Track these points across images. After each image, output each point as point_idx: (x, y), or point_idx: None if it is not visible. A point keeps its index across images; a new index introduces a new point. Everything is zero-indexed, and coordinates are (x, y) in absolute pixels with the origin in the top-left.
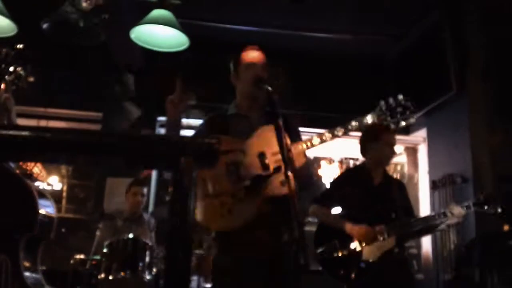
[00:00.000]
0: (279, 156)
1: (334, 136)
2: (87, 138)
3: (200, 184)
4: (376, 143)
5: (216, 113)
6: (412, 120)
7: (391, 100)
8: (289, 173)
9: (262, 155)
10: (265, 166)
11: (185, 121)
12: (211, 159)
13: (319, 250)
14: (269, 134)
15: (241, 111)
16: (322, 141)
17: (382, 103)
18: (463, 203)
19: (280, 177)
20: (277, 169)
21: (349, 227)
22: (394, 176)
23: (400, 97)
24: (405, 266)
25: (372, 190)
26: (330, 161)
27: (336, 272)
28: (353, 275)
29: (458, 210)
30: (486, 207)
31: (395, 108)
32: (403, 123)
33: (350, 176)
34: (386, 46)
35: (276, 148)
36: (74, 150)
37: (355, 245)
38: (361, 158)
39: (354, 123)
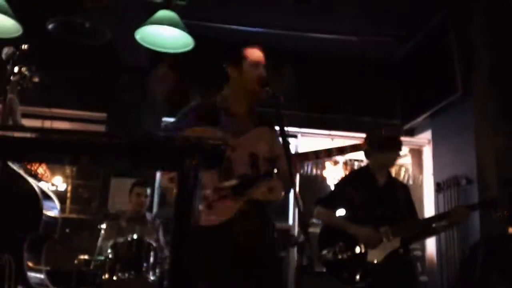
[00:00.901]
0: (270, 162)
1: (341, 153)
2: (92, 138)
3: None
4: (381, 153)
5: (205, 102)
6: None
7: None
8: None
9: (254, 156)
10: (255, 168)
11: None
12: (216, 160)
13: (324, 252)
14: (264, 136)
15: (232, 107)
16: (329, 156)
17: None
18: (468, 204)
19: (269, 182)
20: (266, 174)
21: (353, 229)
22: (398, 178)
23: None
24: (410, 267)
25: (376, 191)
26: (335, 162)
27: (340, 274)
28: (357, 277)
29: (462, 210)
30: (491, 210)
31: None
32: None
33: (354, 177)
34: (391, 47)
35: (269, 152)
36: (79, 151)
37: (359, 247)
38: (366, 160)
39: (362, 143)
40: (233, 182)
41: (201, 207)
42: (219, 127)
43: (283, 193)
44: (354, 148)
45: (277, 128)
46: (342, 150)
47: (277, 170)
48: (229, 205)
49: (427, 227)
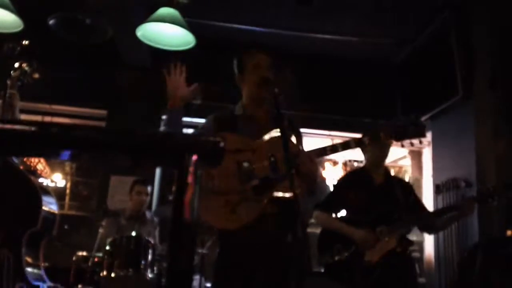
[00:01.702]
0: (289, 161)
1: (346, 148)
2: (92, 134)
3: (207, 180)
4: (368, 146)
5: (223, 112)
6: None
7: (402, 118)
8: (294, 177)
9: (273, 158)
10: (275, 169)
11: (190, 120)
12: (216, 158)
13: (323, 256)
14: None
15: (247, 112)
16: (334, 152)
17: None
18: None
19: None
20: (287, 173)
21: (349, 231)
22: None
23: (413, 116)
24: (408, 265)
25: (373, 191)
26: (334, 163)
27: (339, 275)
28: (356, 278)
29: (470, 202)
30: (490, 200)
31: (406, 126)
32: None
33: (351, 178)
34: (393, 49)
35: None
36: (78, 147)
37: (357, 247)
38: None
39: (366, 139)
40: (254, 182)
41: (224, 211)
42: (238, 133)
43: (304, 191)
44: (373, 135)
45: (278, 128)
46: (360, 142)
47: (296, 169)
48: (252, 206)
49: (427, 222)
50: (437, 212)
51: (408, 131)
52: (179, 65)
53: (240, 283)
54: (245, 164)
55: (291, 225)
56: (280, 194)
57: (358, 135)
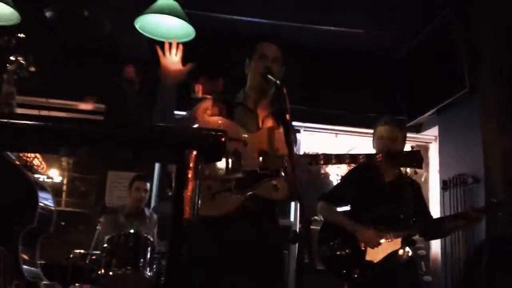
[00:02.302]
0: (280, 161)
1: (341, 162)
2: (90, 128)
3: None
4: (373, 140)
5: (223, 97)
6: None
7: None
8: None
9: (264, 153)
10: (264, 165)
11: (187, 114)
12: (217, 153)
13: (322, 248)
14: (277, 136)
15: (248, 102)
16: (327, 164)
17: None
18: (477, 207)
19: (275, 181)
20: (274, 172)
21: (352, 227)
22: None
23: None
24: (410, 268)
25: (381, 189)
26: None
27: (337, 271)
28: (355, 275)
29: (475, 213)
30: (499, 213)
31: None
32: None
33: (360, 173)
34: (398, 42)
35: (279, 151)
36: (76, 141)
37: (358, 244)
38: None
39: (361, 156)
40: (238, 175)
41: (203, 196)
42: (234, 121)
43: (287, 195)
44: (368, 157)
45: (280, 122)
46: (354, 158)
47: (285, 171)
48: (232, 198)
49: (432, 228)
50: (441, 219)
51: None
52: (176, 44)
53: (214, 274)
54: (233, 155)
55: (271, 227)
56: (263, 193)
57: (361, 130)
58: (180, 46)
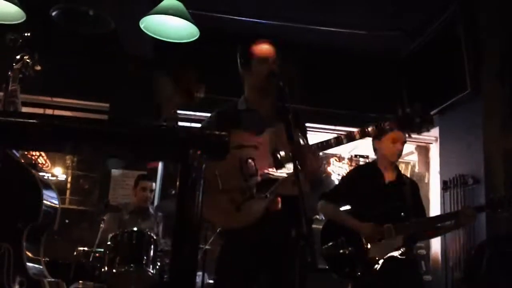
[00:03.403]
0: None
1: (351, 139)
2: (94, 127)
3: (210, 179)
4: (380, 141)
5: (226, 108)
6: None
7: (408, 109)
8: (299, 172)
9: (276, 152)
10: (279, 164)
11: (194, 114)
12: (220, 152)
13: (325, 246)
14: (284, 133)
15: (251, 105)
16: (338, 144)
17: (400, 110)
18: (475, 205)
19: (292, 176)
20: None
21: (355, 224)
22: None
23: (418, 106)
24: (412, 266)
25: (382, 188)
26: (340, 158)
27: (341, 269)
28: (358, 273)
29: (469, 212)
30: (499, 210)
31: (412, 118)
32: (417, 132)
33: (360, 173)
34: (400, 42)
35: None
36: (80, 139)
37: (361, 242)
38: (371, 156)
39: (371, 128)
40: (257, 180)
41: (229, 210)
42: (241, 129)
43: (308, 187)
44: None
45: (283, 121)
46: (364, 133)
47: (300, 165)
48: (257, 204)
49: (431, 227)
50: (435, 218)
51: (413, 121)
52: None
53: (243, 281)
54: (246, 163)
55: (295, 222)
56: (284, 191)
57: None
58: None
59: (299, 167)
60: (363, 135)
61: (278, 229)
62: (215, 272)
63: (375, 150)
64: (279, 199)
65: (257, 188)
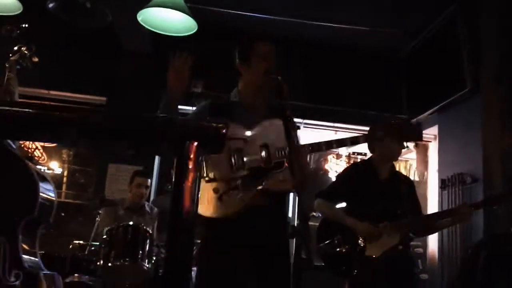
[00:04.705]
0: (283, 152)
1: (343, 145)
2: (90, 118)
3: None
4: (382, 142)
5: (218, 99)
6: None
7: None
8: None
9: (265, 147)
10: (268, 159)
11: (190, 108)
12: (217, 144)
13: (321, 245)
14: (277, 128)
15: (245, 100)
16: (329, 148)
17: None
18: (472, 203)
19: (281, 173)
20: (278, 164)
21: (352, 222)
22: (403, 173)
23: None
24: (408, 264)
25: (377, 186)
26: (338, 156)
27: (337, 268)
28: (355, 271)
29: (466, 209)
30: (495, 207)
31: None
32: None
33: (356, 170)
34: (400, 41)
35: (281, 143)
36: (76, 130)
37: (358, 241)
38: (369, 154)
39: (362, 138)
40: (244, 173)
41: (211, 199)
42: (232, 121)
43: (293, 186)
44: (368, 136)
45: (281, 117)
46: (355, 140)
47: (288, 162)
48: (240, 196)
49: (428, 224)
50: (432, 216)
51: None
52: (185, 54)
53: (225, 273)
54: (235, 155)
55: (280, 218)
56: (272, 187)
57: (361, 127)
58: (189, 58)
59: (291, 164)
60: (354, 143)
61: (262, 225)
62: (198, 265)
63: (372, 149)
64: (265, 194)
65: (243, 181)
